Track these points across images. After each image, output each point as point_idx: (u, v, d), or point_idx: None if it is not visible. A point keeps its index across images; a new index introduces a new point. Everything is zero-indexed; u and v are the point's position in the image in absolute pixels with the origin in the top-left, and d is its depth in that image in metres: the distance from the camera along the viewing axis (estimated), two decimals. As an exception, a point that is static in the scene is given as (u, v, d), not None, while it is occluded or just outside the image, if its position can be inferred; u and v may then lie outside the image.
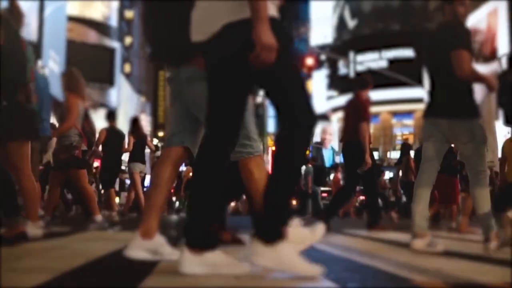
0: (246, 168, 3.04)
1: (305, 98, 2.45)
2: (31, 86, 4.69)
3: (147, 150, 11.28)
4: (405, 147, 12.94)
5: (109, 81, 48.60)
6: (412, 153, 12.26)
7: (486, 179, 4.08)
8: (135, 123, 10.56)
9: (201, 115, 2.84)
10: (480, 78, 4.04)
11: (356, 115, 7.27)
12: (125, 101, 53.31)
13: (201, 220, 2.44)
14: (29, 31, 31.70)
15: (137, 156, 10.29)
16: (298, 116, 2.40)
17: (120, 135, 10.06)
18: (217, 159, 2.47)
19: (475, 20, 30.69)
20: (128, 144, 10.06)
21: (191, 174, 19.41)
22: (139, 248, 2.87)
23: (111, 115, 10.14)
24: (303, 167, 17.60)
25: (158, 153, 20.78)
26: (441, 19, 4.33)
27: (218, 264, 2.38)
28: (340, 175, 19.79)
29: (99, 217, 6.55)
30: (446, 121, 4.08)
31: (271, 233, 2.36)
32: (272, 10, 2.41)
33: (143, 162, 10.55)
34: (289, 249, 2.37)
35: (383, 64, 48.34)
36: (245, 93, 2.50)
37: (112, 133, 9.76)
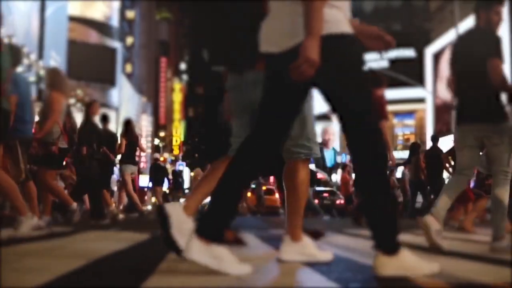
0: (294, 167, 3.09)
1: (371, 116, 2.47)
2: (8, 87, 4.74)
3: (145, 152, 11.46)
4: (414, 147, 12.96)
5: (110, 81, 48.63)
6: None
7: (508, 181, 4.16)
8: (128, 125, 10.73)
9: None
10: (509, 89, 4.12)
11: None
12: (126, 101, 53.35)
13: (219, 214, 2.47)
14: (30, 31, 31.71)
15: (128, 158, 10.46)
16: (363, 130, 2.45)
17: (113, 137, 10.23)
18: (255, 161, 2.53)
19: (473, 23, 30.56)
20: (120, 146, 10.21)
21: (199, 177, 19.41)
22: (177, 218, 2.86)
23: (105, 118, 10.37)
24: None
25: (157, 154, 20.91)
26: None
27: (222, 260, 2.39)
28: (348, 175, 19.85)
29: (74, 205, 6.56)
30: (479, 124, 4.18)
31: (392, 243, 2.41)
32: (346, 26, 2.45)
33: (135, 164, 10.70)
34: (409, 254, 2.44)
35: (384, 64, 48.26)
36: (302, 104, 2.59)
37: (105, 134, 9.96)
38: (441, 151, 10.78)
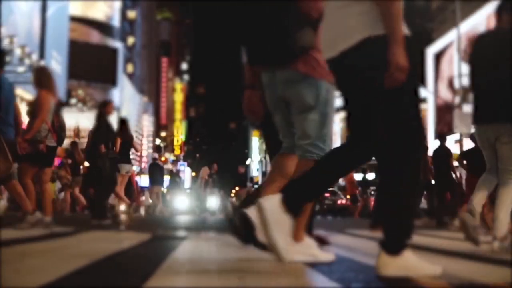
0: (304, 166, 3.10)
1: (416, 115, 2.53)
2: None
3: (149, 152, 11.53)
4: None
5: (112, 81, 48.61)
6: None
7: None
8: (122, 124, 10.78)
9: (300, 114, 3.07)
10: None
11: None
12: (127, 101, 53.37)
13: (303, 192, 2.59)
14: (31, 31, 31.73)
15: (122, 157, 10.47)
16: (404, 134, 2.47)
17: None
18: (352, 163, 2.71)
19: (474, 23, 30.57)
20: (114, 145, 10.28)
21: (207, 176, 19.44)
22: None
23: None
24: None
25: (155, 155, 20.96)
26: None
27: (280, 231, 2.50)
28: (354, 174, 19.89)
29: (37, 215, 6.33)
30: (493, 124, 4.22)
31: (397, 244, 2.45)
32: (405, 28, 2.48)
33: (129, 163, 10.71)
34: (412, 256, 2.48)
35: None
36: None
37: None
38: (449, 150, 10.76)
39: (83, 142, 13.12)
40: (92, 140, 8.65)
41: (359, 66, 2.44)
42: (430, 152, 11.74)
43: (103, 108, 8.82)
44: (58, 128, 6.70)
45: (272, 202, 2.48)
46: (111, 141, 8.58)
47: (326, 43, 2.62)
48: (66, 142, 8.41)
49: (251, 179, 31.51)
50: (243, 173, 22.28)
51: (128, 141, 10.58)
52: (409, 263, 2.44)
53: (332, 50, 2.54)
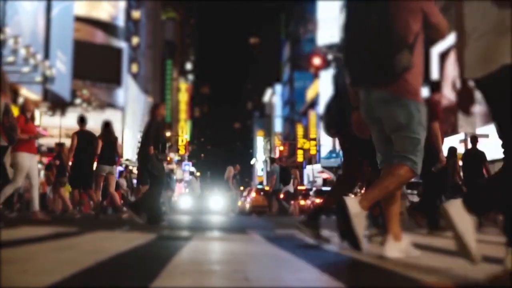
0: (400, 171, 3.30)
1: None
2: None
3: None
4: (451, 150, 12.98)
5: (116, 81, 48.64)
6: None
7: None
8: (106, 127, 10.90)
9: (395, 132, 3.29)
10: None
11: (428, 116, 7.39)
12: (132, 101, 53.42)
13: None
14: (36, 31, 31.80)
15: (104, 159, 10.66)
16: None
17: (92, 137, 10.63)
18: None
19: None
20: (96, 147, 10.40)
21: (232, 174, 19.49)
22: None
23: (82, 120, 10.81)
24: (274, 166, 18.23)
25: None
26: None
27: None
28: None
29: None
30: None
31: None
32: None
33: (111, 164, 10.85)
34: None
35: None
36: None
37: (83, 136, 10.44)
38: (482, 153, 10.68)
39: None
40: (141, 142, 8.67)
41: (494, 92, 2.56)
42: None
43: (154, 110, 8.80)
44: (8, 128, 6.64)
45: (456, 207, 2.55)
46: (161, 143, 8.56)
47: (473, 64, 2.72)
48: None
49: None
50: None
51: (111, 143, 10.70)
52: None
53: (479, 71, 2.64)
